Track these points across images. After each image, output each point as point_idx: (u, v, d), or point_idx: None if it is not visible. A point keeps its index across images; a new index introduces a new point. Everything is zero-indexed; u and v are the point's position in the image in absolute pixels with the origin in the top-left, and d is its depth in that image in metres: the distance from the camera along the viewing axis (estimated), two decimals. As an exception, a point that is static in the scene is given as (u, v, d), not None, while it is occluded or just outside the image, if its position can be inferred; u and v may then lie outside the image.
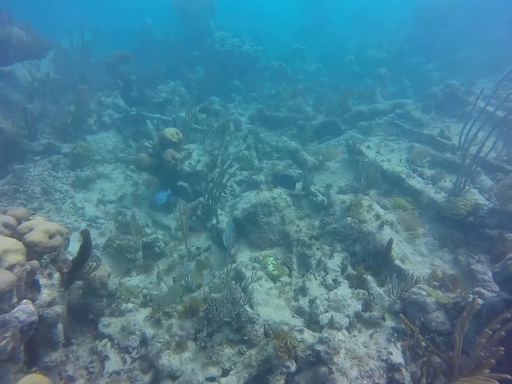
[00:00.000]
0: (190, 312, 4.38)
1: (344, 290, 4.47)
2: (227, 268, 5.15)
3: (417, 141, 8.82)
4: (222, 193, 8.19)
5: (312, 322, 4.11)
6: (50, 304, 3.12)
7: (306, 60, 17.33)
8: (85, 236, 3.32)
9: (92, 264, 4.06)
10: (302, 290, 5.00)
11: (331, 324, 3.74)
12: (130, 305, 4.66)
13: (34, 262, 3.05)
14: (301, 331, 3.85)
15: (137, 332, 4.30)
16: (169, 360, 3.80)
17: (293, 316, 4.40)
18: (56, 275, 3.32)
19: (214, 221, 7.19)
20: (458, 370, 2.97)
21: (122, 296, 4.78)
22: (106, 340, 4.36)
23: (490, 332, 2.73)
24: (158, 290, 5.33)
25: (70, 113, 9.91)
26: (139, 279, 5.76)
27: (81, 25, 14.17)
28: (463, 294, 3.95)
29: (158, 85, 12.37)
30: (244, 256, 5.97)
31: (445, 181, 6.99)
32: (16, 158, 8.43)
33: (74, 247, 7.17)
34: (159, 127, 10.85)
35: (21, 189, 7.56)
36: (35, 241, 3.15)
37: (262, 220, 5.95)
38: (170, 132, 7.49)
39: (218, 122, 10.15)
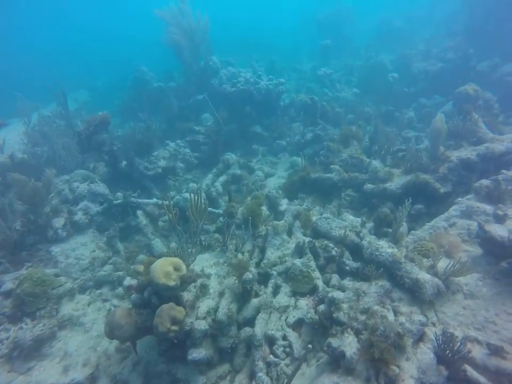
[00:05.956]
0: None
1: None
2: None
3: None
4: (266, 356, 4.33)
5: None
6: None
7: (337, 86, 13.87)
8: None
9: None
10: None
11: None
12: None
13: None
14: None
15: None
16: None
17: None
18: None
19: None
20: None
21: None
22: None
23: None
24: None
25: (23, 215, 6.69)
26: None
27: (61, 89, 11.34)
28: None
29: (154, 149, 9.13)
30: None
31: None
32: None
33: None
34: (157, 217, 7.44)
35: None
36: None
37: None
38: (164, 270, 3.92)
39: (243, 203, 6.56)
